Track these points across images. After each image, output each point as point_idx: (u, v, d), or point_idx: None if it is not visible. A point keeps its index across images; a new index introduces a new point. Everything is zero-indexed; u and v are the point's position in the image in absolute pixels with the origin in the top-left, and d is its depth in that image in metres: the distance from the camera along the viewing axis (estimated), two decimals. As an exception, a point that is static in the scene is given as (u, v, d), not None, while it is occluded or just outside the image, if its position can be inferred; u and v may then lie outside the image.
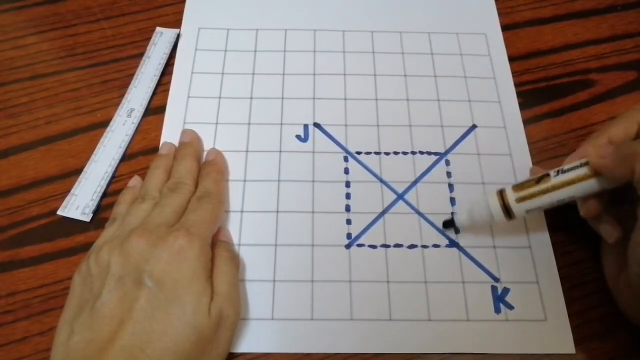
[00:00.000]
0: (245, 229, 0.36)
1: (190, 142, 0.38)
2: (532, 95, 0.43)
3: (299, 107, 0.41)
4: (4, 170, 0.39)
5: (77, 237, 0.36)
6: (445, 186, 0.38)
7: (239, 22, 0.46)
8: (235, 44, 0.45)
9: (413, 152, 0.40)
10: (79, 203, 0.37)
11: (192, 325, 0.28)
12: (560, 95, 0.43)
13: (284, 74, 0.43)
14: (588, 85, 0.43)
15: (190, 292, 0.29)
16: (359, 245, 0.36)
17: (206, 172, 0.36)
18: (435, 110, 0.42)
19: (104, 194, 0.38)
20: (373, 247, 0.36)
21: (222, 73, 0.43)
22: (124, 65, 0.44)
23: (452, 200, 0.38)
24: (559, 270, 0.35)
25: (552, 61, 0.45)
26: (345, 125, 0.41)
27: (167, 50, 0.44)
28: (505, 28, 0.46)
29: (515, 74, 0.44)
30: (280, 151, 0.39)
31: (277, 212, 0.37)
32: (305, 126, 0.41)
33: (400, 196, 0.38)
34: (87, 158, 0.39)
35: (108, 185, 0.38)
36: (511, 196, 0.32)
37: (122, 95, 0.42)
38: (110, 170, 0.38)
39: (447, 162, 0.39)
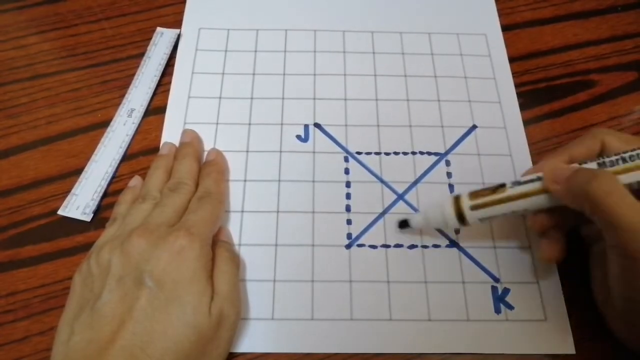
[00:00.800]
0: (245, 229, 0.36)
1: (190, 142, 0.38)
2: (532, 96, 0.43)
3: (299, 107, 0.41)
4: (4, 170, 0.39)
5: (78, 237, 0.36)
6: (446, 186, 0.38)
7: (239, 22, 0.46)
8: (236, 44, 0.45)
9: (413, 153, 0.40)
10: (79, 203, 0.37)
11: (193, 325, 0.28)
12: (560, 95, 0.43)
13: (284, 74, 0.43)
14: (588, 85, 0.43)
15: (191, 292, 0.29)
16: (359, 246, 0.36)
17: (207, 172, 0.36)
18: (436, 111, 0.42)
19: (105, 194, 0.38)
20: (373, 247, 0.36)
21: (223, 73, 0.43)
22: (124, 66, 0.44)
23: (452, 201, 0.38)
24: (559, 270, 0.35)
25: (553, 62, 0.45)
26: (346, 125, 0.41)
27: (168, 51, 0.44)
28: (505, 28, 0.46)
29: (515, 74, 0.44)
30: (281, 151, 0.39)
31: (278, 212, 0.37)
32: (306, 126, 0.41)
33: (400, 196, 0.38)
34: (88, 158, 0.39)
35: (108, 185, 0.38)
36: (466, 203, 0.32)
37: (122, 96, 0.42)
38: (110, 170, 0.38)
39: (448, 163, 0.39)
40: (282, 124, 0.41)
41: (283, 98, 0.42)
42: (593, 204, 0.27)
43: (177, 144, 0.39)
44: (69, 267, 0.35)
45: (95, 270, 0.30)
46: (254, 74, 0.43)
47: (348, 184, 0.38)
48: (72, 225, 0.37)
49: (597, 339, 0.33)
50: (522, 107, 0.42)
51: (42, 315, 0.34)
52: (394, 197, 0.38)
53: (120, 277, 0.29)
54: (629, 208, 0.26)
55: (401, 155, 0.40)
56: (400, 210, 0.37)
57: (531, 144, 0.40)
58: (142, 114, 0.41)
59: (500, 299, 0.34)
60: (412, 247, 0.36)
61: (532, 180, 0.31)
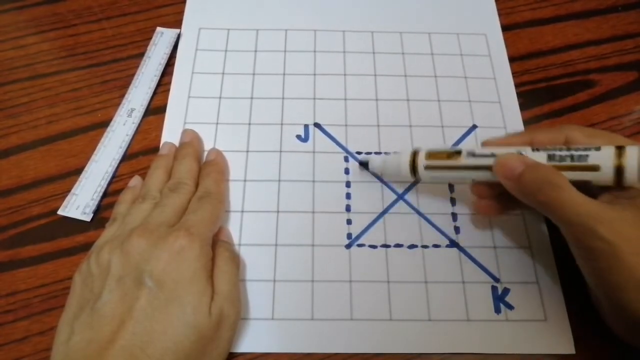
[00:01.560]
0: (245, 229, 0.36)
1: (190, 142, 0.38)
2: (532, 96, 0.43)
3: (299, 107, 0.41)
4: (4, 170, 0.39)
5: (78, 237, 0.36)
6: (446, 186, 0.38)
7: (239, 22, 0.46)
8: (236, 44, 0.45)
9: (413, 152, 0.40)
10: (79, 203, 0.37)
11: (193, 325, 0.28)
12: (560, 95, 0.43)
13: (284, 74, 0.43)
14: (588, 85, 0.43)
15: (191, 292, 0.29)
16: (359, 245, 0.36)
17: (206, 172, 0.36)
18: (436, 111, 0.42)
19: (105, 194, 0.38)
20: (373, 247, 0.36)
21: (223, 73, 0.43)
22: (124, 65, 0.44)
23: (453, 201, 0.38)
24: (559, 270, 0.35)
25: (553, 62, 0.45)
26: (346, 125, 0.41)
27: (168, 51, 0.44)
28: (505, 28, 0.46)
29: (515, 74, 0.44)
30: (281, 151, 0.39)
31: (278, 212, 0.37)
32: (306, 126, 0.41)
33: (400, 196, 0.38)
34: (88, 158, 0.39)
35: (108, 185, 0.38)
36: (421, 161, 0.33)
37: (122, 95, 0.42)
38: (110, 170, 0.38)
39: (447, 162, 0.39)
40: (282, 124, 0.41)
41: (283, 98, 0.42)
42: (542, 205, 0.29)
43: (177, 144, 0.39)
44: (69, 267, 0.35)
45: (95, 270, 0.30)
46: (254, 74, 0.43)
47: (348, 184, 0.38)
48: (72, 225, 0.37)
49: (597, 339, 0.33)
50: (522, 107, 0.42)
51: (42, 315, 0.34)
52: (394, 197, 0.38)
53: (120, 277, 0.29)
54: (574, 204, 0.28)
55: (401, 155, 0.40)
56: (401, 210, 0.37)
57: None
58: (142, 114, 0.41)
59: (500, 299, 0.34)
60: (412, 247, 0.36)
61: (486, 156, 0.32)
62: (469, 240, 0.36)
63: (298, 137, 0.40)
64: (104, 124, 0.41)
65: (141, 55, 0.44)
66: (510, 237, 0.36)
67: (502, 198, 0.33)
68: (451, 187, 0.38)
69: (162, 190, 0.35)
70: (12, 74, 0.43)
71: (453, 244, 0.36)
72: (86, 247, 0.35)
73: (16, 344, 0.33)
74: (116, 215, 0.35)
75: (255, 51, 0.44)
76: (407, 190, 0.38)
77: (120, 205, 0.35)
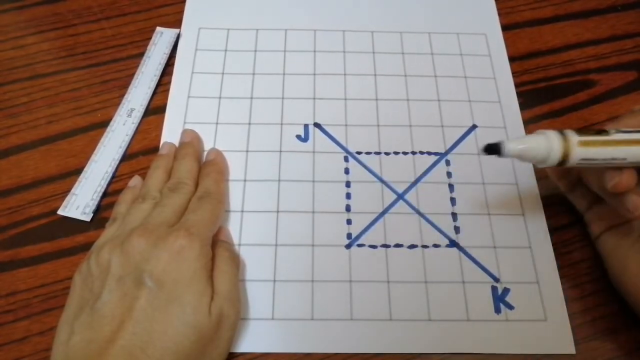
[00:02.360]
0: (245, 229, 0.36)
1: (190, 142, 0.38)
2: (532, 96, 0.43)
3: (299, 107, 0.41)
4: (4, 170, 0.39)
5: (78, 237, 0.36)
6: (446, 186, 0.38)
7: (239, 22, 0.46)
8: (236, 44, 0.45)
9: (413, 152, 0.40)
10: (79, 203, 0.37)
11: (193, 325, 0.28)
12: (560, 95, 0.43)
13: (284, 74, 0.43)
14: (588, 85, 0.43)
15: (191, 292, 0.29)
16: (359, 245, 0.36)
17: (206, 172, 0.36)
18: (436, 110, 0.42)
19: (104, 194, 0.38)
20: (373, 247, 0.36)
21: (222, 73, 0.43)
22: (124, 65, 0.44)
23: (453, 200, 0.38)
24: (559, 270, 0.35)
25: (552, 61, 0.45)
26: (346, 125, 0.41)
27: (168, 50, 0.44)
28: (505, 28, 0.46)
29: (515, 74, 0.44)
30: (281, 151, 0.39)
31: (278, 212, 0.37)
32: (306, 126, 0.41)
33: (400, 196, 0.38)
34: (88, 158, 0.39)
35: (108, 185, 0.38)
36: (574, 138, 0.29)
37: (122, 95, 0.42)
38: (110, 170, 0.38)
39: (448, 162, 0.39)
40: (282, 124, 0.41)
41: (283, 98, 0.42)
42: None
43: (177, 143, 0.39)
44: (69, 267, 0.35)
45: (95, 270, 0.30)
46: (253, 74, 0.43)
47: (348, 184, 0.38)
48: (72, 225, 0.37)
49: (597, 339, 0.33)
50: (522, 107, 0.42)
51: (42, 315, 0.34)
52: (394, 197, 0.38)
53: (120, 277, 0.29)
54: None
55: (401, 155, 0.40)
56: (401, 210, 0.37)
57: (531, 143, 0.40)
58: (142, 114, 0.41)
59: (500, 299, 0.34)
60: (412, 247, 0.36)
61: (637, 131, 0.29)
62: (469, 240, 0.36)
63: (298, 137, 0.40)
64: (104, 124, 0.41)
65: (141, 55, 0.44)
66: (510, 237, 0.36)
67: None
68: (451, 187, 0.38)
69: (162, 190, 0.35)
70: (12, 74, 0.43)
71: (453, 244, 0.36)
72: (86, 247, 0.35)
73: (16, 344, 0.33)
74: (116, 215, 0.35)
75: (255, 51, 0.44)
76: (407, 190, 0.38)
77: (120, 205, 0.35)
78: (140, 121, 0.41)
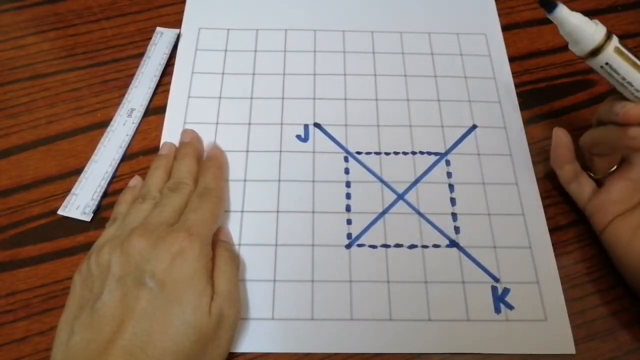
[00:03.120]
0: (245, 229, 0.36)
1: (190, 141, 0.38)
2: (532, 96, 0.43)
3: (299, 107, 0.41)
4: (4, 170, 0.39)
5: (78, 237, 0.36)
6: (446, 186, 0.38)
7: (239, 22, 0.46)
8: (236, 44, 0.45)
9: (413, 152, 0.40)
10: (79, 203, 0.37)
11: (193, 325, 0.28)
12: (560, 95, 0.43)
13: (284, 74, 0.43)
14: (588, 85, 0.43)
15: (191, 292, 0.29)
16: (359, 245, 0.36)
17: (206, 167, 0.36)
18: (436, 110, 0.42)
19: (105, 194, 0.38)
20: (373, 247, 0.36)
21: (223, 73, 0.43)
22: (124, 65, 0.44)
23: (453, 201, 0.38)
24: (559, 270, 0.35)
25: (552, 61, 0.45)
26: (346, 125, 0.41)
27: (168, 50, 0.44)
28: (505, 28, 0.46)
29: (515, 74, 0.44)
30: (281, 151, 0.39)
31: (278, 212, 0.37)
32: (306, 126, 0.41)
33: (400, 196, 0.38)
34: (88, 158, 0.39)
35: (108, 185, 0.38)
36: (614, 41, 0.31)
37: (122, 95, 0.42)
38: (110, 170, 0.38)
39: (448, 162, 0.39)
40: (282, 124, 0.41)
41: (283, 98, 0.42)
42: None
43: (177, 143, 0.39)
44: (69, 267, 0.35)
45: (95, 270, 0.30)
46: (253, 74, 0.43)
47: (348, 184, 0.38)
48: (72, 225, 0.37)
49: (597, 339, 0.33)
50: (522, 107, 0.42)
51: (42, 315, 0.34)
52: (394, 197, 0.38)
53: (120, 277, 0.29)
54: None
55: (401, 155, 0.40)
56: (401, 210, 0.37)
57: (531, 144, 0.40)
58: (142, 114, 0.41)
59: (500, 299, 0.34)
60: (412, 247, 0.36)
61: None
62: (469, 240, 0.36)
63: (298, 137, 0.40)
64: (104, 124, 0.41)
65: (141, 55, 0.44)
66: (510, 237, 0.36)
67: None
68: (451, 187, 0.38)
69: (162, 190, 0.35)
70: (12, 74, 0.43)
71: (453, 244, 0.36)
72: (86, 247, 0.35)
73: (16, 344, 0.33)
74: (116, 215, 0.35)
75: (255, 51, 0.44)
76: (407, 190, 0.38)
77: (120, 205, 0.35)
78: (141, 121, 0.41)
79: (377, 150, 0.40)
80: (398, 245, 0.36)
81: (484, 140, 0.40)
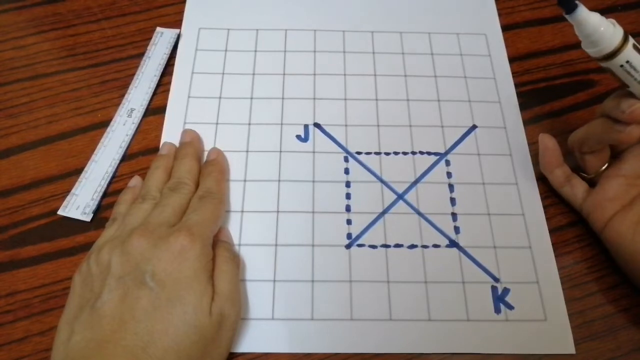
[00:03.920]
0: (245, 229, 0.36)
1: (191, 141, 0.38)
2: (532, 96, 0.43)
3: (299, 107, 0.41)
4: (4, 170, 0.39)
5: (78, 237, 0.36)
6: (446, 186, 0.38)
7: (239, 22, 0.46)
8: (236, 44, 0.45)
9: (413, 152, 0.40)
10: (79, 203, 0.37)
11: (194, 325, 0.28)
12: (560, 95, 0.43)
13: (284, 74, 0.43)
14: (588, 85, 0.43)
15: (192, 292, 0.29)
16: (359, 245, 0.36)
17: (207, 171, 0.36)
18: (436, 111, 0.42)
19: (105, 194, 0.38)
20: (373, 247, 0.36)
21: (223, 73, 0.43)
22: (124, 65, 0.44)
23: (453, 201, 0.38)
24: (559, 270, 0.35)
25: (552, 61, 0.45)
26: (346, 125, 0.41)
27: (168, 51, 0.44)
28: (505, 28, 0.46)
29: (515, 74, 0.44)
30: (281, 151, 0.39)
31: (278, 212, 0.37)
32: (306, 126, 0.41)
33: (400, 196, 0.38)
34: (88, 158, 0.39)
35: (108, 185, 0.38)
36: (631, 40, 0.30)
37: (122, 96, 0.42)
38: (110, 170, 0.38)
39: (448, 162, 0.39)
40: (282, 124, 0.41)
41: (283, 98, 0.42)
42: None
43: (177, 143, 0.39)
44: (69, 267, 0.35)
45: (95, 270, 0.30)
46: (254, 74, 0.43)
47: (348, 184, 0.38)
48: (72, 225, 0.37)
49: (597, 339, 0.33)
50: (522, 107, 0.42)
51: (42, 315, 0.34)
52: (394, 197, 0.38)
53: (120, 276, 0.29)
54: None
55: (401, 155, 0.40)
56: (401, 210, 0.37)
57: (531, 144, 0.40)
58: (142, 114, 0.41)
59: (500, 299, 0.34)
60: (412, 247, 0.36)
61: None
62: (469, 240, 0.36)
63: (298, 137, 0.40)
64: (104, 124, 0.41)
65: (141, 55, 0.44)
66: (510, 237, 0.36)
67: None
68: (451, 187, 0.38)
69: (163, 190, 0.35)
70: (12, 74, 0.43)
71: (453, 244, 0.36)
72: (86, 247, 0.35)
73: (16, 344, 0.33)
74: (116, 215, 0.35)
75: (255, 51, 0.44)
76: (407, 190, 0.38)
77: (120, 205, 0.35)
78: (141, 121, 0.41)
79: (377, 150, 0.40)
80: (398, 245, 0.36)
81: (484, 140, 0.40)
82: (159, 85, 0.43)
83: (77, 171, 0.39)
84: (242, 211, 0.37)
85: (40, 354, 0.32)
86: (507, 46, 0.45)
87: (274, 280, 0.35)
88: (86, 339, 0.28)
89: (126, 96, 0.42)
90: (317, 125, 0.41)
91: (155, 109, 0.42)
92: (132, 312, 0.28)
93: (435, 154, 0.40)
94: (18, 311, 0.34)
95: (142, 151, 0.40)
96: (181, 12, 0.46)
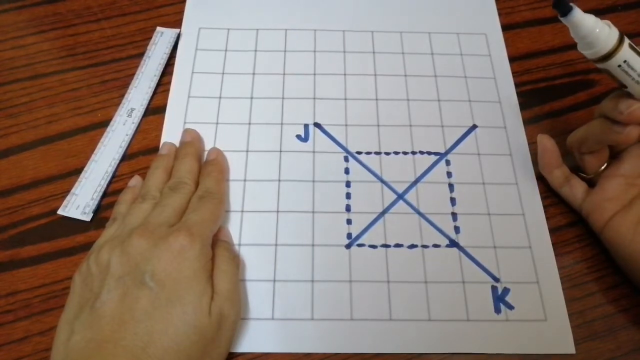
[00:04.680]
0: (245, 229, 0.36)
1: (191, 141, 0.38)
2: (532, 96, 0.43)
3: (299, 107, 0.41)
4: (4, 170, 0.39)
5: (78, 237, 0.36)
6: (446, 186, 0.38)
7: (239, 22, 0.46)
8: (236, 44, 0.45)
9: (413, 152, 0.40)
10: (79, 203, 0.37)
11: (193, 325, 0.28)
12: (560, 95, 0.43)
13: (284, 74, 0.43)
14: (588, 85, 0.43)
15: (191, 292, 0.29)
16: (359, 245, 0.36)
17: (207, 171, 0.36)
18: (436, 110, 0.42)
19: (105, 194, 0.38)
20: (373, 247, 0.36)
21: (223, 73, 0.43)
22: (124, 65, 0.44)
23: (453, 200, 0.38)
24: (559, 270, 0.35)
25: (552, 61, 0.45)
26: (346, 125, 0.41)
27: (168, 50, 0.44)
28: (505, 28, 0.46)
29: (515, 74, 0.44)
30: (281, 151, 0.39)
31: (278, 212, 0.37)
32: (306, 126, 0.41)
33: (400, 196, 0.38)
34: (88, 158, 0.39)
35: (108, 185, 0.38)
36: (627, 40, 0.30)
37: (122, 95, 0.42)
38: (110, 170, 0.38)
39: (448, 162, 0.39)
40: (282, 124, 0.41)
41: (283, 98, 0.42)
42: None
43: (177, 143, 0.39)
44: (69, 267, 0.35)
45: (95, 270, 0.30)
46: (254, 74, 0.43)
47: (348, 184, 0.38)
48: (72, 225, 0.37)
49: (597, 339, 0.33)
50: (522, 106, 0.42)
51: (42, 315, 0.34)
52: (394, 196, 0.38)
53: (120, 276, 0.29)
54: None
55: (401, 155, 0.40)
56: (401, 210, 0.37)
57: (531, 143, 0.40)
58: (142, 114, 0.41)
59: (500, 299, 0.34)
60: (412, 247, 0.36)
61: None
62: (469, 240, 0.36)
63: (298, 137, 0.40)
64: (104, 124, 0.41)
65: (141, 55, 0.44)
66: (510, 237, 0.36)
67: None
68: (451, 187, 0.38)
69: (162, 190, 0.35)
70: (12, 74, 0.43)
71: (453, 244, 0.36)
72: (86, 247, 0.35)
73: (16, 344, 0.33)
74: (116, 215, 0.35)
75: (255, 51, 0.44)
76: (407, 190, 0.38)
77: (120, 205, 0.35)
78: (140, 121, 0.41)
79: (377, 150, 0.40)
80: (398, 245, 0.36)
81: (484, 140, 0.40)
82: (159, 85, 0.43)
83: (77, 171, 0.38)
84: (242, 211, 0.37)
85: (40, 354, 0.32)
86: (507, 46, 0.45)
87: (274, 280, 0.35)
88: (86, 339, 0.28)
89: (126, 96, 0.42)
90: (317, 125, 0.41)
91: (155, 109, 0.42)
92: (131, 312, 0.28)
93: (435, 153, 0.40)
94: (18, 311, 0.34)
95: (142, 151, 0.40)
96: (181, 12, 0.46)
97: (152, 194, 0.35)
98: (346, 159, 0.39)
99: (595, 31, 0.30)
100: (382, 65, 0.44)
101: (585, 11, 0.30)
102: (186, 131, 0.39)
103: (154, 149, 0.39)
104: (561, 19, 0.30)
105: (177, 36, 0.45)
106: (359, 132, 0.40)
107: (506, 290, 0.35)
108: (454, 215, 0.37)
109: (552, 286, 0.35)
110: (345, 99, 0.42)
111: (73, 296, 0.31)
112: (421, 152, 0.40)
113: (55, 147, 0.40)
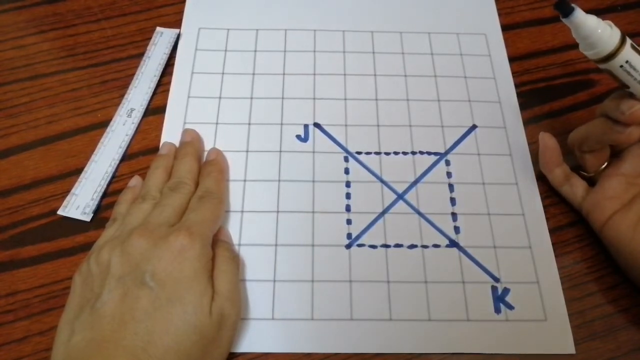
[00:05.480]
0: (245, 229, 0.36)
1: (191, 141, 0.38)
2: (532, 96, 0.43)
3: (299, 107, 0.41)
4: (4, 170, 0.39)
5: (78, 237, 0.36)
6: (446, 186, 0.38)
7: (239, 22, 0.46)
8: (236, 44, 0.45)
9: (413, 152, 0.40)
10: (79, 203, 0.37)
11: (194, 325, 0.28)
12: (560, 95, 0.43)
13: (284, 74, 0.43)
14: (588, 85, 0.43)
15: (192, 292, 0.29)
16: (359, 245, 0.36)
17: (207, 171, 0.36)
18: (436, 110, 0.42)
19: (105, 194, 0.38)
20: (373, 247, 0.36)
21: (222, 73, 0.43)
22: (124, 65, 0.44)
23: (453, 200, 0.38)
24: (559, 270, 0.35)
25: (552, 61, 0.45)
26: (346, 125, 0.41)
27: (168, 50, 0.44)
28: (505, 28, 0.46)
29: (515, 74, 0.44)
30: (281, 151, 0.39)
31: (277, 212, 0.37)
32: (306, 126, 0.41)
33: (400, 196, 0.38)
34: (87, 158, 0.39)
35: (108, 185, 0.38)
36: (629, 41, 0.30)
37: (122, 95, 0.42)
38: (110, 170, 0.38)
39: (447, 162, 0.39)
40: (282, 124, 0.41)
41: (283, 98, 0.42)
42: None
43: (177, 143, 0.39)
44: (69, 267, 0.35)
45: (95, 270, 0.30)
46: (253, 74, 0.43)
47: (348, 184, 0.38)
48: (72, 225, 0.37)
49: (597, 339, 0.33)
50: (522, 106, 0.42)
51: (42, 315, 0.34)
52: (394, 197, 0.38)
53: (120, 276, 0.29)
54: None
55: (401, 155, 0.40)
56: (401, 210, 0.37)
57: (531, 143, 0.40)
58: (142, 114, 0.41)
59: (500, 299, 0.34)
60: (412, 247, 0.36)
61: None
62: (469, 240, 0.36)
63: (298, 137, 0.40)
64: (104, 124, 0.41)
65: (141, 55, 0.44)
66: (510, 237, 0.36)
67: None
68: (451, 187, 0.38)
69: (162, 190, 0.35)
70: (12, 74, 0.43)
71: (453, 244, 0.36)
72: (86, 247, 0.35)
73: (16, 344, 0.33)
74: (116, 215, 0.35)
75: (255, 51, 0.44)
76: (407, 190, 0.38)
77: (120, 205, 0.35)
78: (140, 121, 0.41)
79: (377, 150, 0.40)
80: (398, 245, 0.36)
81: (484, 140, 0.40)
82: (158, 85, 0.43)
83: (77, 171, 0.38)
84: (242, 211, 0.37)
85: (40, 354, 0.32)
86: (507, 46, 0.45)
87: (274, 280, 0.35)
88: (86, 339, 0.28)
89: (126, 96, 0.42)
90: (317, 125, 0.41)
91: (155, 109, 0.42)
92: (132, 312, 0.28)
93: (435, 153, 0.40)
94: (18, 311, 0.34)
95: (142, 151, 0.40)
96: (181, 12, 0.46)
97: (152, 194, 0.35)
98: (346, 159, 0.39)
99: (597, 32, 0.30)
100: (382, 65, 0.44)
101: (585, 11, 0.30)
102: (186, 131, 0.39)
103: (154, 149, 0.39)
104: (563, 19, 0.30)
105: (177, 36, 0.45)
106: (358, 132, 0.40)
107: (506, 291, 0.35)
108: (454, 216, 0.37)
109: (552, 286, 0.35)
110: (345, 99, 0.42)
111: (73, 296, 0.31)
112: (421, 152, 0.40)
113: (56, 147, 0.40)
